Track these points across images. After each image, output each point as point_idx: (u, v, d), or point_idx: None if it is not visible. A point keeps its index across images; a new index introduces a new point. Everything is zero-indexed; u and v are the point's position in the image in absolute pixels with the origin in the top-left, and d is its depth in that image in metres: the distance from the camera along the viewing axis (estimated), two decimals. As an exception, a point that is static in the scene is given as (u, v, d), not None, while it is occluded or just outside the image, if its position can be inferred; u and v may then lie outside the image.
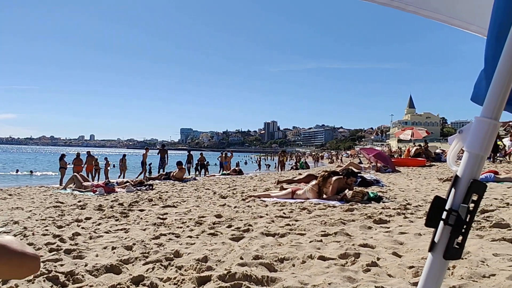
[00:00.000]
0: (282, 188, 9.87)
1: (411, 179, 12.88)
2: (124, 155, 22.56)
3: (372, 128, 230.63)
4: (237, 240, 4.52)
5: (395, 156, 28.52)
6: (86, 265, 3.46)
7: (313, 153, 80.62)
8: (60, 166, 18.79)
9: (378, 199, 7.57)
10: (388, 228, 4.99)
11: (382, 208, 6.58)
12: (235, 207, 7.39)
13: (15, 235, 4.98)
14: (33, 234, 5.06)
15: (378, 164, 17.23)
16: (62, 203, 8.70)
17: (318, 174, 9.81)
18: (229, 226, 5.38)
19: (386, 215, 5.83)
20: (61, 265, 3.51)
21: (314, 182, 8.57)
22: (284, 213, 6.42)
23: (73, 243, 4.50)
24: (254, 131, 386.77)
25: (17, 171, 31.11)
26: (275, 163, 34.13)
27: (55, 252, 4.03)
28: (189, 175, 19.84)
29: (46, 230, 5.36)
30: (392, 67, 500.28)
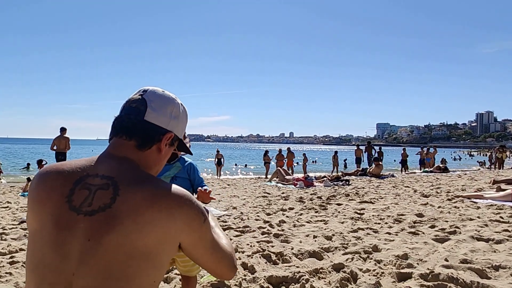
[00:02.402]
0: (499, 189, 8.51)
1: None
2: (336, 152, 23.34)
3: None
4: (442, 241, 4.19)
5: None
6: (292, 249, 3.86)
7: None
8: (264, 161, 21.09)
9: None
10: None
11: None
12: (439, 207, 6.82)
13: (234, 218, 5.93)
14: (248, 218, 5.91)
15: None
16: (268, 193, 9.80)
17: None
18: (432, 227, 5.03)
19: None
20: (272, 246, 4.02)
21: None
22: (501, 217, 5.55)
23: (280, 229, 5.06)
24: (463, 124, 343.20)
25: (235, 164, 36.41)
26: (483, 160, 29.38)
27: (266, 235, 4.62)
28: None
29: (258, 216, 6.17)
30: None
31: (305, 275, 2.85)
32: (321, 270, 3.07)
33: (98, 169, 1.11)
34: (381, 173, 15.62)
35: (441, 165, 19.72)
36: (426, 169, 20.15)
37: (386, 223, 5.40)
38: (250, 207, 7.23)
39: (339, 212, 6.58)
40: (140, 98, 1.22)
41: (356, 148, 22.28)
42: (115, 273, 1.01)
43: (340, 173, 17.04)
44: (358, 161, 21.23)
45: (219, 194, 9.67)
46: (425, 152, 23.20)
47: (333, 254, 3.76)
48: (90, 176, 1.09)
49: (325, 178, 12.77)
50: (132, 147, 1.18)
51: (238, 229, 5.01)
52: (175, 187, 1.12)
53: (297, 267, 3.21)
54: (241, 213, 6.50)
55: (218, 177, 18.65)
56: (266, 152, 21.61)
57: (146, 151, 1.19)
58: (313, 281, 2.81)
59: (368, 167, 17.21)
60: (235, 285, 2.77)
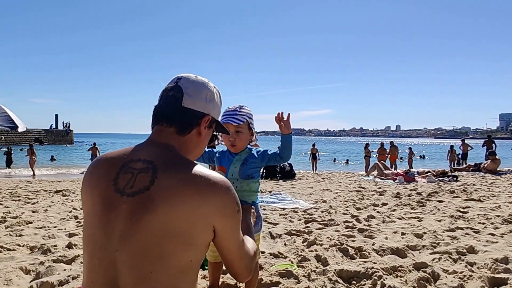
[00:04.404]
0: None
1: None
2: (452, 146, 21.55)
3: None
4: (559, 246, 3.58)
5: None
6: (373, 244, 3.67)
7: None
8: (364, 154, 20.24)
9: None
10: None
11: None
12: None
13: (322, 212, 5.84)
14: (335, 212, 5.77)
15: None
16: (363, 188, 9.41)
17: None
18: (551, 230, 4.32)
19: None
20: (353, 241, 3.87)
21: None
22: None
23: (366, 224, 4.84)
24: None
25: (334, 160, 35.72)
26: None
27: (349, 229, 4.47)
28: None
29: (347, 210, 5.99)
30: None
31: (379, 272, 2.68)
32: (399, 268, 2.86)
33: (140, 154, 1.20)
34: (498, 169, 13.86)
35: None
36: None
37: (492, 223, 4.79)
38: (340, 201, 7.05)
39: (438, 209, 6.03)
40: (175, 85, 1.28)
41: (462, 143, 20.45)
42: (151, 252, 1.08)
43: (449, 169, 15.59)
44: (464, 156, 19.39)
45: (311, 188, 9.61)
46: None
47: (419, 253, 3.47)
48: (133, 160, 1.18)
49: (429, 173, 11.79)
50: (172, 133, 1.24)
51: (322, 222, 4.93)
52: (213, 173, 1.16)
53: (374, 263, 3.04)
54: (330, 206, 6.37)
55: (314, 172, 18.49)
56: (367, 145, 20.75)
57: (186, 135, 1.26)
58: (387, 278, 2.63)
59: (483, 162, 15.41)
60: (304, 275, 2.74)
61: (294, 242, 3.85)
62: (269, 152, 2.28)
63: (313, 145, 21.18)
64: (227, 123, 2.13)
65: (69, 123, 62.76)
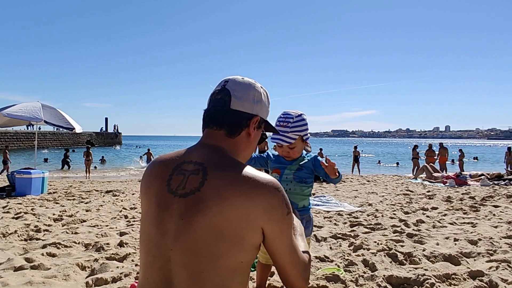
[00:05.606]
0: None
1: None
2: (509, 148, 20.39)
3: None
4: None
5: None
6: (424, 250, 3.52)
7: None
8: (412, 156, 19.48)
9: None
10: None
11: None
12: None
13: (368, 215, 5.69)
14: (382, 216, 5.60)
15: None
16: (411, 191, 9.08)
17: None
18: None
19: None
20: (402, 246, 3.73)
21: None
22: None
23: (416, 229, 4.66)
24: None
25: (379, 162, 34.74)
26: None
27: (398, 234, 4.32)
28: None
29: (394, 214, 5.80)
30: None
31: (431, 279, 2.57)
32: (453, 276, 2.72)
33: (192, 156, 1.23)
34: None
35: None
36: None
37: (556, 230, 4.46)
38: (387, 205, 6.84)
39: (494, 214, 5.70)
40: (223, 89, 1.29)
41: None
42: (202, 252, 1.10)
43: (505, 172, 14.68)
44: None
45: (356, 190, 9.41)
46: None
47: (474, 260, 3.29)
48: (185, 162, 1.22)
49: (482, 177, 11.17)
50: (222, 136, 1.26)
51: (368, 226, 4.80)
52: (261, 174, 1.16)
53: (425, 269, 2.91)
54: (376, 210, 6.21)
55: (357, 174, 18.06)
56: (415, 146, 19.97)
57: (236, 137, 1.27)
58: (440, 286, 2.51)
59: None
60: (351, 280, 2.68)
61: (340, 245, 3.78)
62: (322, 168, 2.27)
63: (355, 147, 20.74)
64: (279, 143, 2.19)
65: (117, 126, 65.64)
